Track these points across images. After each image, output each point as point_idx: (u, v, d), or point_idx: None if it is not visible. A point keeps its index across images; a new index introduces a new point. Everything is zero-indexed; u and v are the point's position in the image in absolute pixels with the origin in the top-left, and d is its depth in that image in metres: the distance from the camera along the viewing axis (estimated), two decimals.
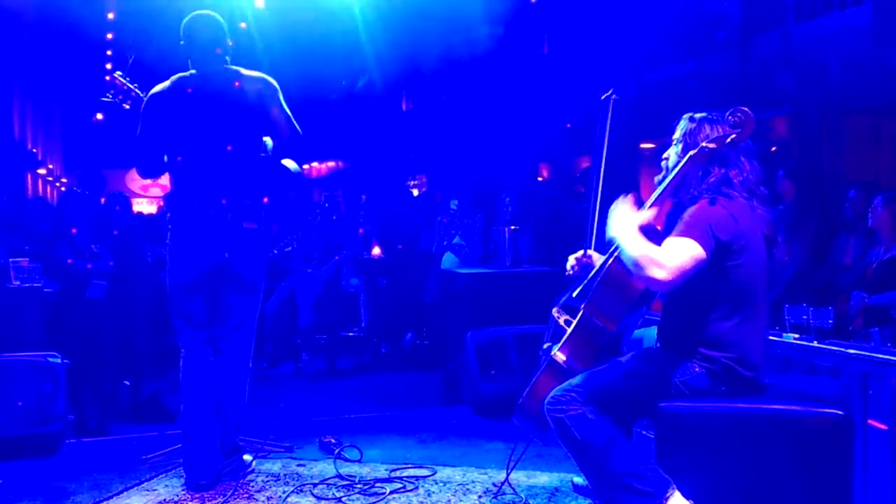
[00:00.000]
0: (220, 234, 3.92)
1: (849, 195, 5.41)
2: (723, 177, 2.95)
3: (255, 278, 4.08)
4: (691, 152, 2.98)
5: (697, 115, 3.08)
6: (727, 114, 2.97)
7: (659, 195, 3.03)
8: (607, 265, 3.02)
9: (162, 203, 12.89)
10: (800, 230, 5.62)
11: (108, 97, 4.24)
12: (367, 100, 14.54)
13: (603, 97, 3.69)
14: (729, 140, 2.93)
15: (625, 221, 2.92)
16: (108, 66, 13.46)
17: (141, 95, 4.13)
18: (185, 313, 4.02)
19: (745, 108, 2.94)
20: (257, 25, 10.53)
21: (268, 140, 4.14)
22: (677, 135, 3.12)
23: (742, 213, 2.90)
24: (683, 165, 2.98)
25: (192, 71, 4.02)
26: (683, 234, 2.81)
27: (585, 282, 3.31)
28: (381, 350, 8.47)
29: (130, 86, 4.20)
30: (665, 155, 3.17)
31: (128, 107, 4.20)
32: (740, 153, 3.00)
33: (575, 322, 3.14)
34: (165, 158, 4.06)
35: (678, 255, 2.75)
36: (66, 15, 11.30)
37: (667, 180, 3.03)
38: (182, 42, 4.00)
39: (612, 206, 3.02)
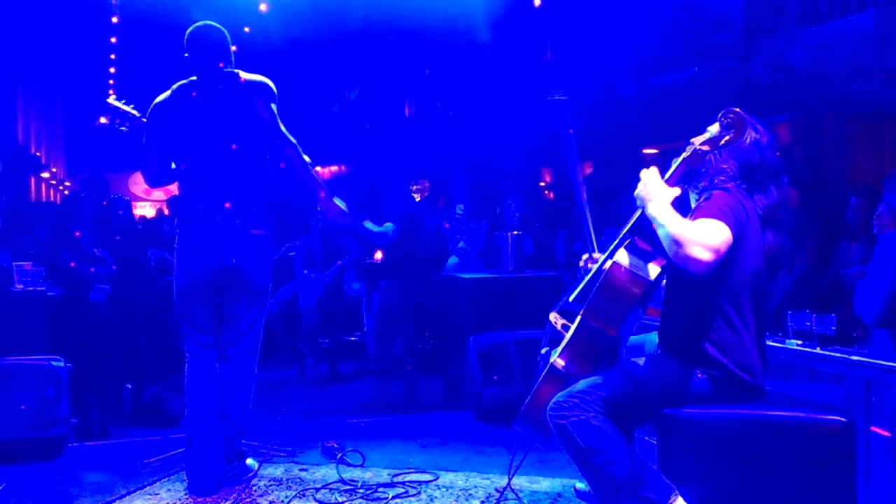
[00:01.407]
0: (228, 240, 3.93)
1: (851, 202, 5.40)
2: (714, 176, 2.94)
3: (262, 284, 4.10)
4: (684, 154, 2.98)
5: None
6: (719, 115, 2.96)
7: (666, 181, 3.00)
8: (605, 269, 3.02)
9: (162, 207, 12.91)
10: (803, 236, 5.61)
11: (104, 120, 4.27)
12: (370, 104, 14.56)
13: (571, 131, 3.72)
14: (722, 142, 2.92)
15: (659, 193, 2.89)
16: (112, 70, 13.50)
17: (137, 116, 4.17)
18: (192, 318, 4.03)
19: (737, 109, 2.92)
20: (261, 30, 10.56)
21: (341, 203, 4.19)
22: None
23: (752, 211, 2.90)
24: (678, 166, 2.98)
25: (193, 77, 4.05)
26: (713, 216, 2.76)
27: (582, 286, 3.29)
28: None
29: (126, 108, 4.23)
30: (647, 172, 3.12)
31: (126, 129, 4.23)
32: (770, 176, 2.94)
33: (574, 327, 3.14)
34: (173, 166, 4.08)
35: (718, 235, 2.71)
36: (70, 18, 11.34)
37: (667, 173, 3.02)
38: (186, 54, 4.02)
39: (643, 174, 2.98)
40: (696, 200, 2.98)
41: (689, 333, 2.93)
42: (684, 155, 2.97)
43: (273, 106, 4.05)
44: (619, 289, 2.96)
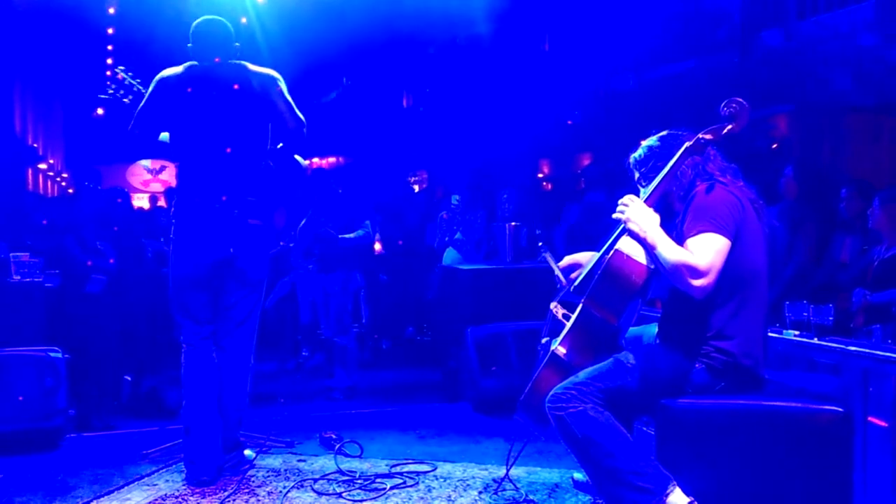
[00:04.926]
0: (225, 230, 3.93)
1: (842, 194, 5.40)
2: (701, 168, 3.01)
3: (258, 274, 4.09)
4: (687, 143, 3.00)
5: (642, 150, 3.18)
6: (721, 105, 2.99)
7: (650, 193, 3.05)
8: (607, 259, 3.03)
9: (159, 197, 12.87)
10: (801, 227, 5.61)
11: (109, 91, 4.26)
12: (369, 96, 14.56)
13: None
14: (725, 131, 2.96)
15: (649, 222, 2.93)
16: (109, 61, 13.49)
17: (142, 90, 4.15)
18: (188, 309, 4.02)
19: (739, 99, 2.95)
20: (258, 20, 10.55)
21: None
22: (642, 165, 3.19)
23: (740, 193, 2.95)
24: (679, 157, 2.99)
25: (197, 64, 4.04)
26: (705, 228, 2.83)
27: (582, 276, 3.32)
28: (382, 346, 8.48)
29: (132, 81, 4.22)
30: (630, 199, 3.12)
31: (128, 101, 4.22)
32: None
33: (575, 315, 3.14)
34: (169, 143, 4.08)
35: (711, 256, 2.78)
36: (68, 10, 11.31)
37: (660, 175, 3.04)
38: (190, 45, 4.02)
39: (625, 202, 3.03)
40: (694, 191, 2.99)
41: (691, 323, 2.94)
42: (687, 144, 2.99)
43: (285, 92, 4.05)
44: (621, 277, 2.97)
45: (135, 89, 4.21)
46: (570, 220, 7.14)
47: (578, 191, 9.20)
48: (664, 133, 3.17)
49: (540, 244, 3.75)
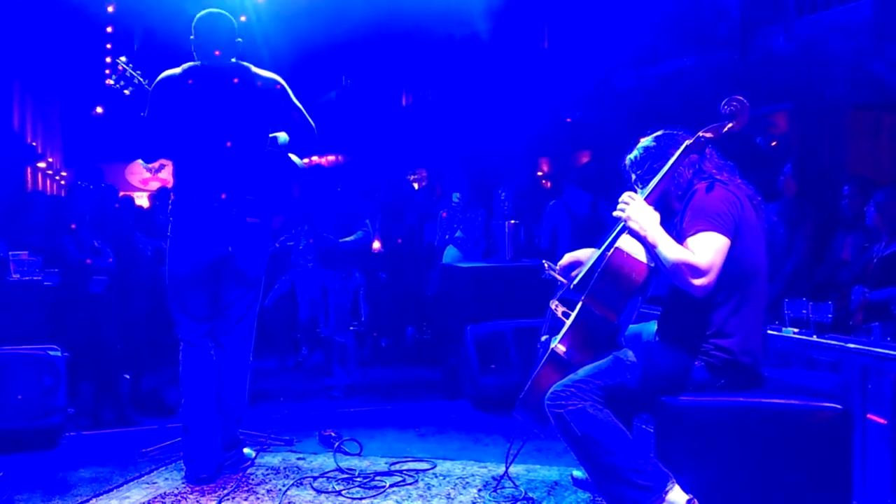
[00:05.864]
0: (223, 228, 3.93)
1: (843, 192, 5.41)
2: (699, 167, 3.01)
3: (256, 272, 4.09)
4: (687, 141, 3.00)
5: (637, 151, 3.19)
6: (722, 103, 2.99)
7: (650, 192, 3.05)
8: (607, 257, 3.03)
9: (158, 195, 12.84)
10: (800, 225, 5.61)
11: (110, 82, 4.24)
12: (368, 94, 14.54)
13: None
14: (726, 129, 2.96)
15: (649, 220, 2.94)
16: (108, 60, 13.49)
17: (143, 83, 4.14)
18: (186, 307, 4.02)
19: (740, 97, 2.96)
20: (258, 18, 10.54)
21: (283, 135, 4.16)
22: (639, 167, 3.18)
23: (738, 191, 2.95)
24: (679, 156, 3.00)
25: (198, 62, 4.03)
26: (705, 227, 2.83)
27: (582, 274, 3.31)
28: (382, 344, 8.47)
29: (133, 73, 4.20)
30: (630, 197, 3.10)
31: (128, 93, 4.20)
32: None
33: (575, 313, 3.14)
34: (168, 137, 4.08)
35: (711, 255, 2.79)
36: (67, 8, 11.31)
37: (659, 175, 3.05)
38: (192, 37, 4.01)
39: (626, 200, 3.03)
40: (693, 190, 2.99)
41: (691, 320, 2.95)
42: (688, 142, 2.99)
43: (291, 97, 4.07)
44: (621, 274, 2.97)
45: (136, 81, 4.19)
46: (554, 220, 7.11)
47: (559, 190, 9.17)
48: (659, 133, 3.17)
49: (543, 261, 3.74)
